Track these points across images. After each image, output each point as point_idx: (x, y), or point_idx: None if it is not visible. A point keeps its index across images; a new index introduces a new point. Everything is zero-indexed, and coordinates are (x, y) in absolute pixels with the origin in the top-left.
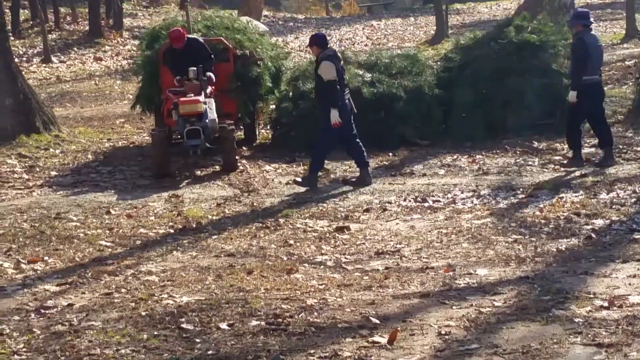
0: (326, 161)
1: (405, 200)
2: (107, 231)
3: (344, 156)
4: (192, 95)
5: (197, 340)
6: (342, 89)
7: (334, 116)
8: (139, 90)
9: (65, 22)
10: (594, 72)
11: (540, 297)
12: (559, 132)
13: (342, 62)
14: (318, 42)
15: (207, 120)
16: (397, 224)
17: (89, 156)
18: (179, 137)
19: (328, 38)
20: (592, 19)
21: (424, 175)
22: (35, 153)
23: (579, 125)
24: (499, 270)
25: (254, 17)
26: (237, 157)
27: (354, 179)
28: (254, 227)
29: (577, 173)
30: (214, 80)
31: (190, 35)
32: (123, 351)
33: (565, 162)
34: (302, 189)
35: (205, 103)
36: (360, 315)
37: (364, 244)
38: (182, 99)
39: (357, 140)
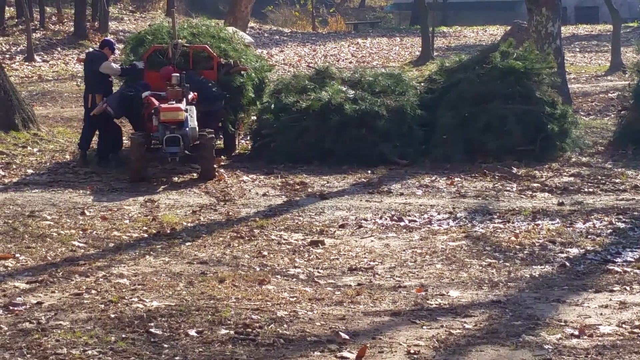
0: (304, 175)
1: (381, 218)
2: (81, 232)
3: (323, 171)
4: (174, 102)
5: (165, 345)
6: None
7: None
8: None
9: (50, 22)
10: None
11: (511, 322)
12: (538, 158)
13: None
14: None
15: (187, 129)
16: (371, 241)
17: (67, 156)
18: (158, 142)
19: (313, 53)
20: None
21: (402, 194)
22: (13, 150)
23: None
24: (471, 292)
25: (240, 28)
26: (215, 166)
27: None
28: (228, 236)
29: (555, 201)
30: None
31: None
32: (90, 352)
33: None
34: (279, 201)
35: (186, 111)
36: (330, 330)
37: (337, 259)
38: (163, 105)
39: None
